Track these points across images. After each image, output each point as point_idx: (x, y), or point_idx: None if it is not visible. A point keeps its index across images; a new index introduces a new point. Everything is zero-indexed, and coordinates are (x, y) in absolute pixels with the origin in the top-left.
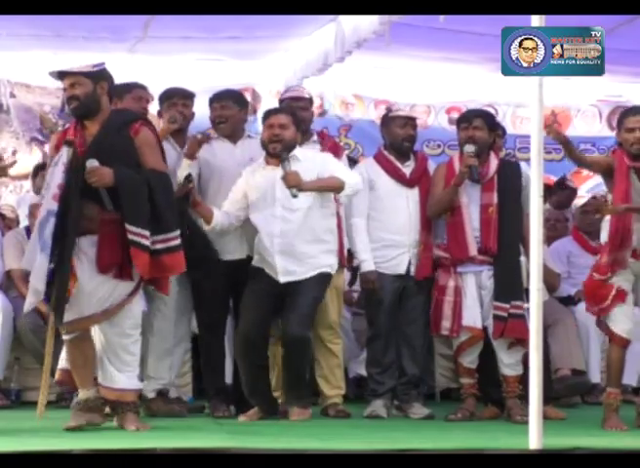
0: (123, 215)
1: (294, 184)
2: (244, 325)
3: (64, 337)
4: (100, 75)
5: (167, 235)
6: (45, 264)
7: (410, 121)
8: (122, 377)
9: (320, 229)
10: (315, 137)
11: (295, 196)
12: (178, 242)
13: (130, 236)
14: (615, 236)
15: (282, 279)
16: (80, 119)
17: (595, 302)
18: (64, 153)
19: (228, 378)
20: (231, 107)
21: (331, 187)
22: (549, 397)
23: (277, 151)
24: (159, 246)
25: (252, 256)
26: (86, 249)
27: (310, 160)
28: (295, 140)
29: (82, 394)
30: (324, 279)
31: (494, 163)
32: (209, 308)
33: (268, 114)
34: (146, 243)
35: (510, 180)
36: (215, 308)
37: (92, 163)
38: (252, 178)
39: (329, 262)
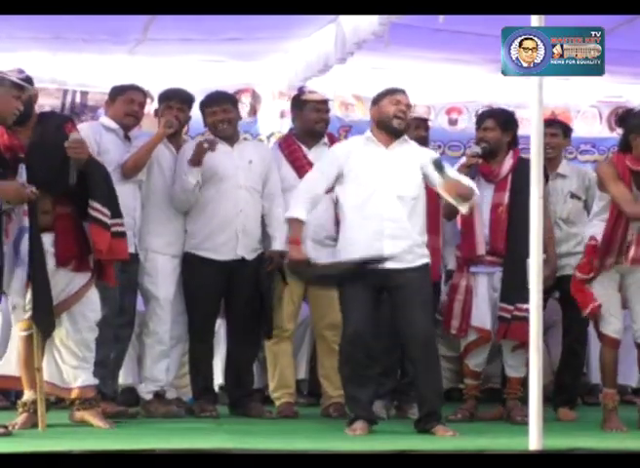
0: (89, 192)
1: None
2: (351, 326)
3: (21, 334)
4: (29, 81)
5: (117, 220)
6: (24, 280)
7: (422, 123)
8: (81, 374)
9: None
10: (325, 139)
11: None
12: (123, 229)
13: (93, 213)
14: (608, 243)
15: (389, 264)
16: (10, 127)
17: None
18: (23, 171)
19: (219, 379)
20: (231, 110)
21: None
22: (573, 400)
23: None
24: (113, 229)
25: (246, 258)
26: (46, 246)
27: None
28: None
29: (29, 395)
30: (429, 271)
31: (508, 162)
32: (199, 309)
33: (393, 92)
34: (108, 221)
35: (528, 181)
36: (205, 309)
37: (77, 135)
38: (353, 155)
39: (427, 253)
